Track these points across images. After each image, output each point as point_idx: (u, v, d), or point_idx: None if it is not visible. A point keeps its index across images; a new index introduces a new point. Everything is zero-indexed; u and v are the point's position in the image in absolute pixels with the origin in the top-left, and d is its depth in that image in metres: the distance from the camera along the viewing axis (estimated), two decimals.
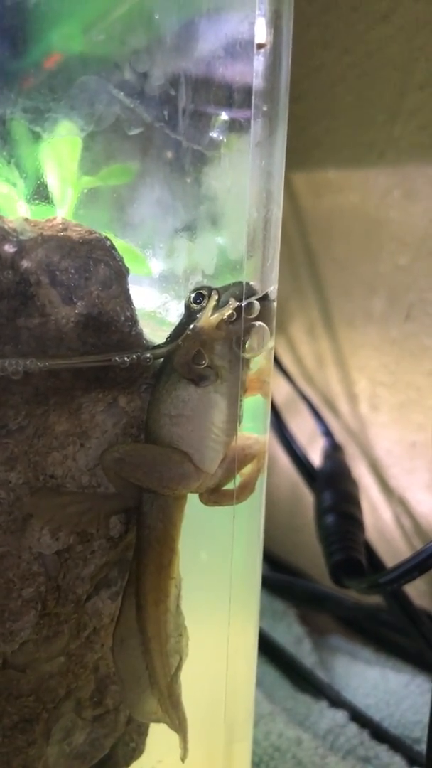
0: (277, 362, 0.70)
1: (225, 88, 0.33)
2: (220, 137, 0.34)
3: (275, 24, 0.31)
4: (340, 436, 0.68)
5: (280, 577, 0.71)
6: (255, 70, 0.30)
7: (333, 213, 0.70)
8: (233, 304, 0.31)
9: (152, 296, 0.40)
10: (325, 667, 0.65)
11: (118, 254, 0.33)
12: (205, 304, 0.32)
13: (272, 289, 0.33)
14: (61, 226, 0.33)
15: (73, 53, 0.41)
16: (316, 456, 0.65)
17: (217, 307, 0.32)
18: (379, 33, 0.62)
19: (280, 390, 0.73)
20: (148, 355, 0.32)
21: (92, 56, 0.40)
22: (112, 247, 0.33)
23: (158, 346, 0.32)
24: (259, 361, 0.34)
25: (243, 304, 0.32)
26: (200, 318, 0.32)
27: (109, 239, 0.34)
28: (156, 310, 0.39)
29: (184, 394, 0.32)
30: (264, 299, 0.32)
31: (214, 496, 0.34)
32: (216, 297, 0.32)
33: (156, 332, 0.36)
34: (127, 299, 0.33)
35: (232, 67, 0.33)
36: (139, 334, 0.33)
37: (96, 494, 0.32)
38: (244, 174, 0.32)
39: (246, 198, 0.32)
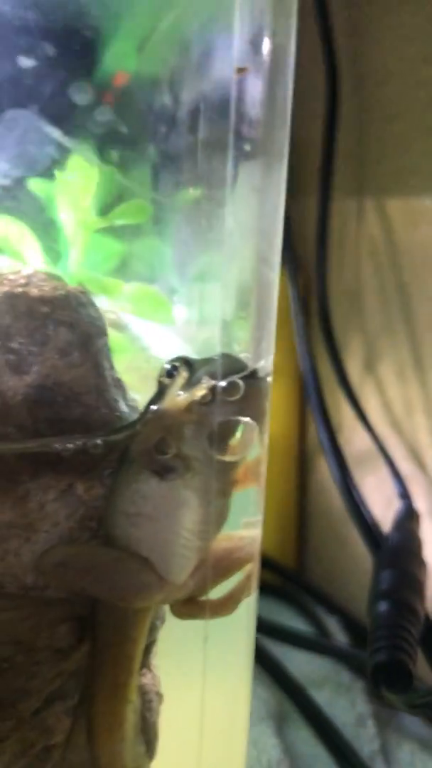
0: (358, 407, 0.64)
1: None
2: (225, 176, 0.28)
3: (274, 42, 0.25)
4: (424, 498, 0.60)
5: (350, 648, 0.64)
6: (234, 98, 0.24)
7: (430, 245, 0.63)
8: (208, 382, 0.26)
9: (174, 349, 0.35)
10: (388, 759, 0.57)
11: (93, 313, 0.28)
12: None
13: (263, 364, 0.27)
14: (23, 280, 0.28)
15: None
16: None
17: (190, 384, 0.26)
18: None
19: (359, 439, 0.66)
20: (99, 441, 0.26)
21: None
22: (83, 305, 0.28)
23: (116, 430, 0.27)
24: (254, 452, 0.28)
25: (219, 383, 0.26)
26: (165, 398, 0.26)
27: (85, 294, 0.29)
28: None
29: (145, 489, 0.26)
30: (251, 377, 0.26)
31: (188, 608, 0.28)
32: (186, 372, 0.26)
33: None
34: (96, 367, 0.28)
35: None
36: (108, 410, 0.28)
37: (38, 599, 0.27)
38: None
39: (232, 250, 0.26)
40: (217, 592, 0.29)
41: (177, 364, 0.27)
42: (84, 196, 0.36)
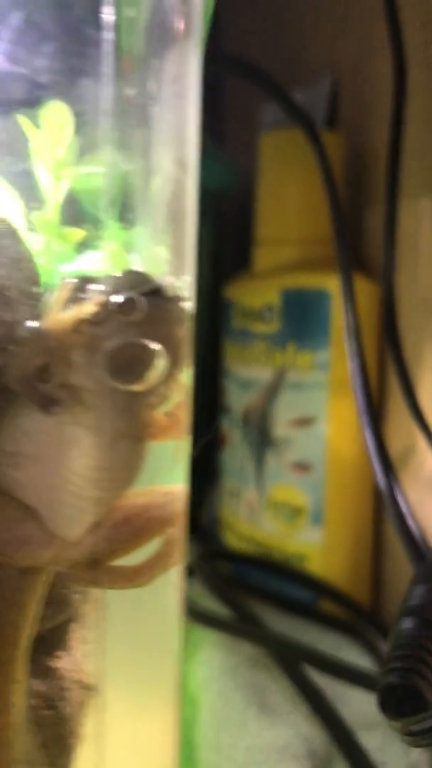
0: (425, 427, 0.57)
1: None
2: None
3: None
4: None
5: None
6: None
7: None
8: (97, 297, 0.22)
9: None
10: None
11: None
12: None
13: (170, 281, 0.23)
14: None
15: None
16: None
17: (78, 300, 0.22)
18: None
19: None
20: None
21: None
22: None
23: None
24: (171, 394, 0.24)
25: (113, 299, 0.22)
26: (46, 315, 0.22)
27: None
28: None
29: (26, 423, 0.23)
30: (154, 296, 0.22)
31: (90, 573, 0.24)
32: (71, 285, 0.22)
33: None
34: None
35: None
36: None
37: None
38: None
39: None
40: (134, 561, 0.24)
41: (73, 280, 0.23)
42: (55, 146, 0.34)
